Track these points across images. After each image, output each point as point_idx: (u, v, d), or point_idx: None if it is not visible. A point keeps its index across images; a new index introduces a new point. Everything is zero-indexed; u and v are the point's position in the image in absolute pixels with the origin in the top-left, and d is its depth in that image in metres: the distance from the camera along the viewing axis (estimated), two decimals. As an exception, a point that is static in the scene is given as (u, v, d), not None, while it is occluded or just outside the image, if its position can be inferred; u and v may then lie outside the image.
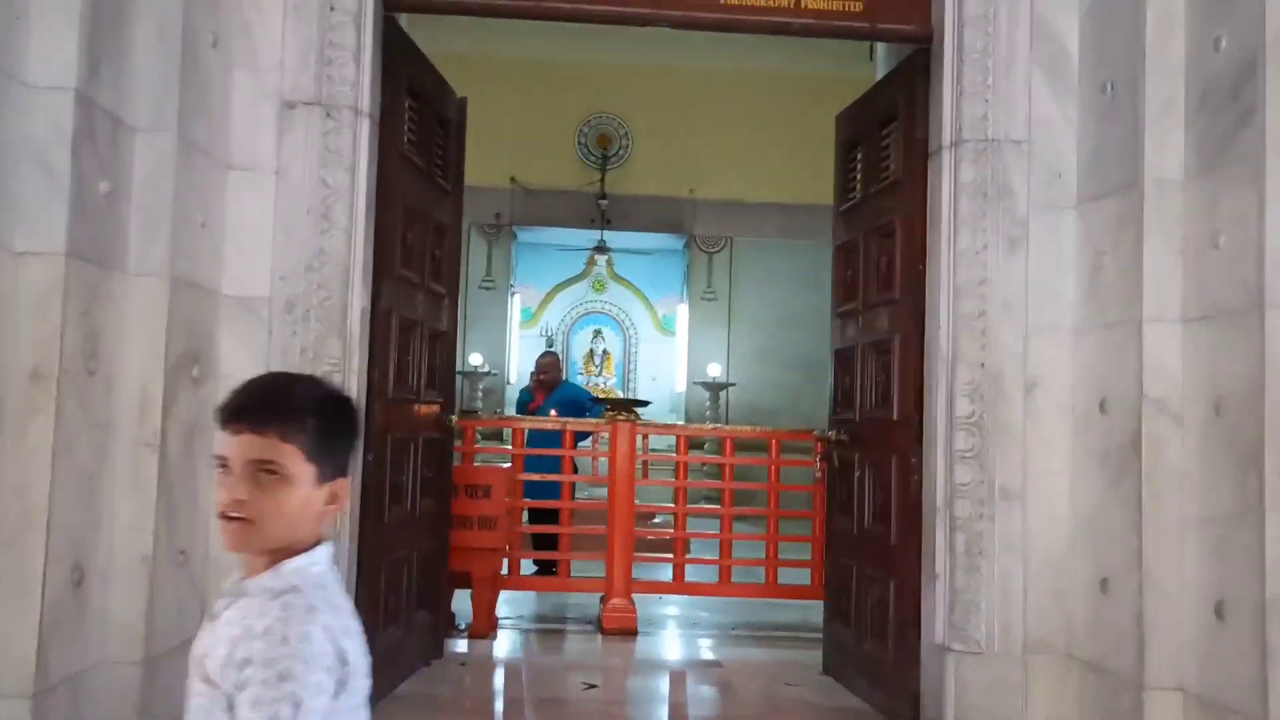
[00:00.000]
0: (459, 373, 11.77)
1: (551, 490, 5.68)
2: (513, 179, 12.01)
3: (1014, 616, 3.29)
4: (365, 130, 3.37)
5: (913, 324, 3.60)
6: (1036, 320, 3.30)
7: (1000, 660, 3.28)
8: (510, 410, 10.07)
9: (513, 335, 12.86)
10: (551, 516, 5.65)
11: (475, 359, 11.77)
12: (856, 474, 4.06)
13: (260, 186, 3.26)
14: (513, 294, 12.82)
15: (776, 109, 12.09)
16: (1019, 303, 3.30)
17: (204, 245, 3.07)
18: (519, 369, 12.92)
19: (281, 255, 3.27)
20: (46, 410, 2.44)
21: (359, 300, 3.37)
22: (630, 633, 5.06)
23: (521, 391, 7.39)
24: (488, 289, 12.37)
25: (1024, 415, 3.30)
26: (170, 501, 2.90)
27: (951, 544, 3.33)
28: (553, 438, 5.73)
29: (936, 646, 3.37)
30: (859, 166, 4.16)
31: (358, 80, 3.33)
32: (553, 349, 11.09)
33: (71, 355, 2.50)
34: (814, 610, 5.46)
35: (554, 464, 5.62)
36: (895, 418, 3.72)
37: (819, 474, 4.40)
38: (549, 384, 7.08)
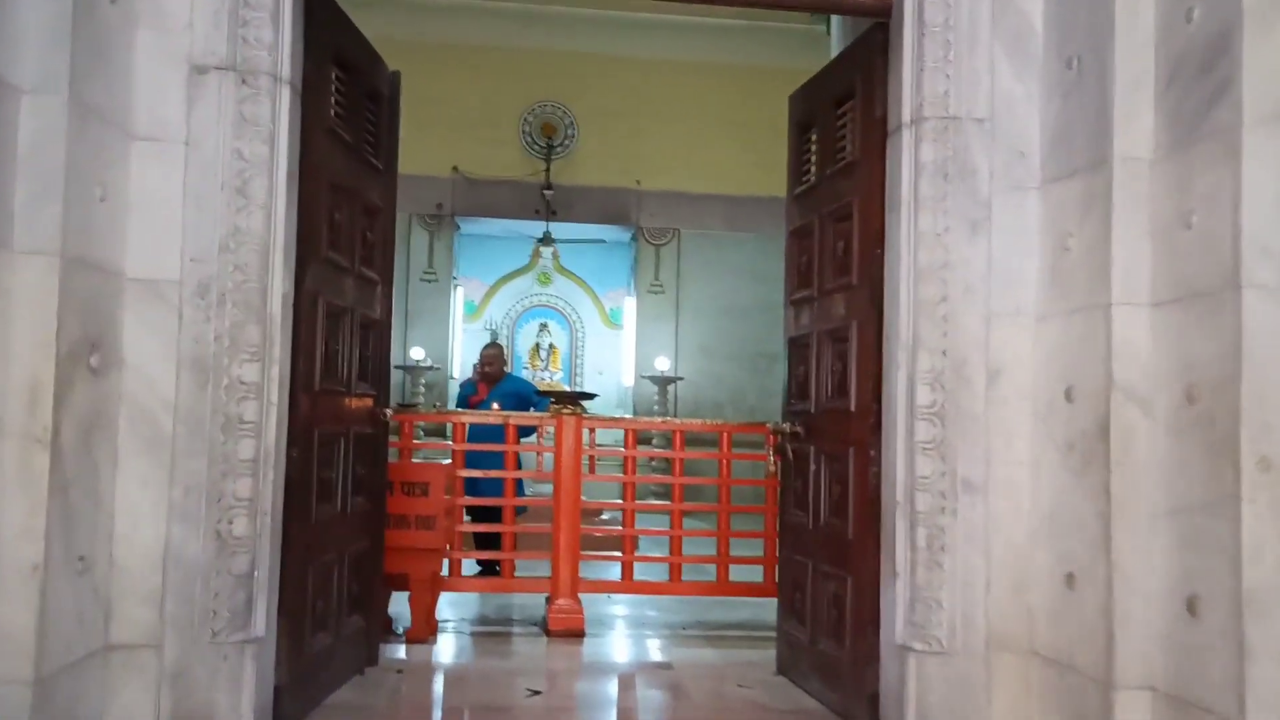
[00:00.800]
0: (399, 367, 11.50)
1: (494, 487, 5.46)
2: (454, 168, 11.72)
3: (976, 613, 3.15)
4: (285, 99, 3.11)
5: (871, 310, 3.44)
6: (999, 305, 3.15)
7: (962, 659, 3.14)
8: (452, 405, 9.81)
9: (456, 329, 12.56)
10: (494, 515, 5.42)
11: (417, 353, 11.46)
12: (812, 467, 3.90)
13: (168, 158, 2.98)
14: (455, 287, 12.52)
15: (723, 100, 11.95)
16: (981, 287, 3.15)
17: (103, 221, 2.80)
18: (462, 363, 12.62)
19: (193, 234, 3.00)
20: (-86, 402, 2.16)
21: (280, 284, 3.12)
22: (577, 634, 4.87)
23: (464, 384, 7.12)
24: (429, 281, 12.06)
25: (986, 404, 3.16)
26: (66, 503, 2.63)
27: (912, 539, 3.18)
28: (495, 432, 5.51)
29: (896, 646, 3.22)
30: (814, 148, 3.99)
31: (276, 44, 3.07)
32: (497, 341, 10.83)
33: (-56, 340, 2.23)
34: (766, 608, 5.32)
35: (496, 460, 5.39)
36: (853, 408, 3.57)
37: (772, 468, 4.23)
38: (492, 376, 6.89)
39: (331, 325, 3.58)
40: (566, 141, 12.12)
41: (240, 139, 3.02)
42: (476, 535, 5.39)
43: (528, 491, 6.44)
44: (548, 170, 11.91)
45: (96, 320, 2.78)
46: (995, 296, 3.15)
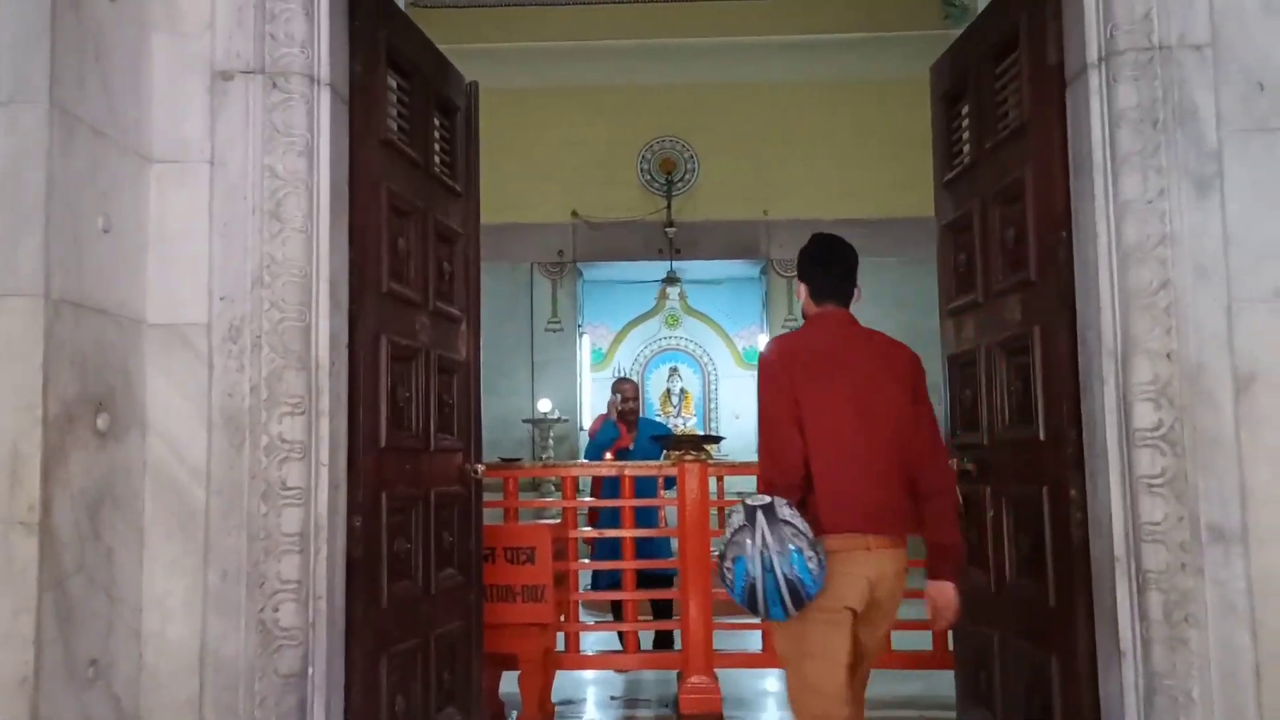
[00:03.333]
0: (527, 420, 11.10)
1: (663, 547, 4.95)
2: (574, 213, 11.34)
3: (1244, 706, 2.31)
4: (325, 104, 2.62)
5: (1059, 310, 2.68)
6: (1247, 288, 2.35)
7: (1227, 773, 2.31)
8: (582, 456, 9.26)
9: (584, 378, 12.12)
10: (663, 579, 4.88)
11: (544, 405, 11.05)
12: (990, 514, 3.13)
13: (191, 182, 2.54)
14: (581, 335, 12.10)
15: (851, 118, 11.23)
16: (1217, 265, 2.36)
17: (107, 257, 2.35)
18: (591, 414, 12.16)
19: (221, 268, 2.53)
20: None
21: (327, 322, 2.61)
22: (715, 716, 4.17)
23: (604, 426, 5.86)
24: (555, 331, 11.67)
25: (1236, 422, 2.35)
26: (65, 598, 2.15)
27: (1141, 607, 2.38)
28: (646, 486, 4.85)
29: (1129, 752, 2.41)
30: (966, 121, 3.27)
31: (312, 38, 2.59)
32: (629, 377, 9.94)
33: (-120, 404, 1.78)
34: (937, 681, 4.52)
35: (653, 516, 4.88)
36: (1042, 437, 2.80)
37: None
38: (633, 416, 5.79)
39: (401, 369, 3.06)
40: (687, 176, 11.59)
41: (271, 153, 2.55)
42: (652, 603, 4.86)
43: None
44: (669, 208, 11.40)
45: (103, 375, 2.32)
46: (1238, 277, 2.35)
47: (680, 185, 11.56)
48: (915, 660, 4.38)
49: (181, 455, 2.49)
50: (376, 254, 2.92)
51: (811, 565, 2.39)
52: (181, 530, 2.48)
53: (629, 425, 5.73)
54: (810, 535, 2.41)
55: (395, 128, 3.08)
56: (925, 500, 2.60)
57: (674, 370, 12.68)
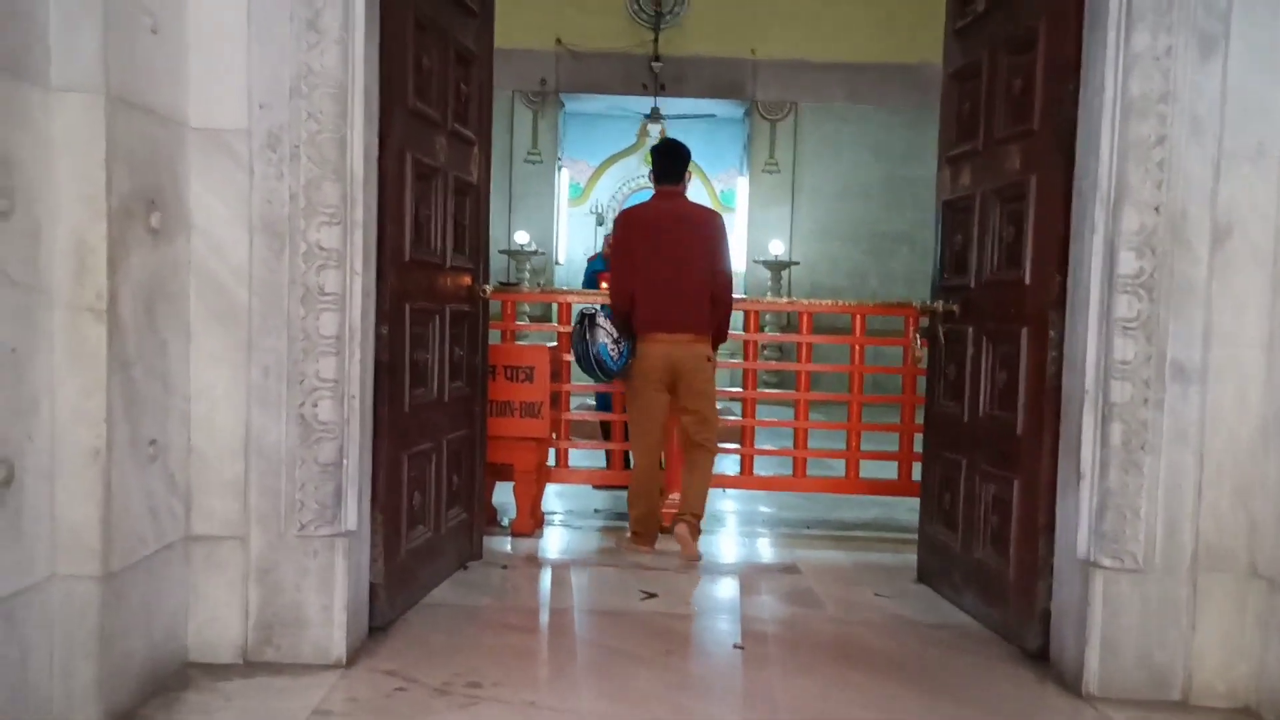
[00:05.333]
0: (503, 251, 11.16)
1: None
2: (558, 40, 11.11)
3: (1183, 525, 2.63)
4: (365, -86, 2.63)
5: (1057, 159, 2.84)
6: (1235, 143, 2.53)
7: (1162, 578, 2.64)
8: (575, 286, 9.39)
9: (561, 212, 12.16)
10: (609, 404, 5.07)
11: (521, 237, 11.12)
12: (970, 351, 3.37)
13: (226, -14, 2.57)
14: (560, 168, 12.05)
15: (847, -44, 10.97)
16: (1211, 122, 2.53)
17: (156, 57, 2.41)
18: (568, 248, 12.24)
19: (260, 76, 2.60)
20: (-68, 261, 1.83)
21: (361, 135, 2.70)
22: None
23: (592, 260, 6.42)
24: (533, 163, 11.62)
25: (1209, 271, 2.57)
26: (129, 382, 2.31)
27: (1104, 435, 2.65)
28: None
29: (1077, 560, 2.73)
30: (982, -32, 3.32)
31: None
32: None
33: (-34, 189, 1.88)
34: (895, 507, 4.90)
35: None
36: (1027, 280, 3.01)
37: (919, 352, 3.71)
38: None
39: (422, 188, 3.17)
40: (677, 8, 11.34)
41: (303, -39, 2.58)
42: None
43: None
44: (656, 40, 11.20)
45: (155, 174, 2.42)
46: (1229, 133, 2.52)
47: (669, 17, 11.32)
48: (879, 487, 4.73)
49: (224, 257, 2.62)
50: (403, 70, 2.98)
51: (611, 351, 4.00)
52: (224, 327, 2.64)
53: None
54: (615, 334, 4.00)
55: (420, -59, 3.08)
56: (713, 309, 4.05)
57: (651, 209, 12.71)
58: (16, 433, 2.07)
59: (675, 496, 4.41)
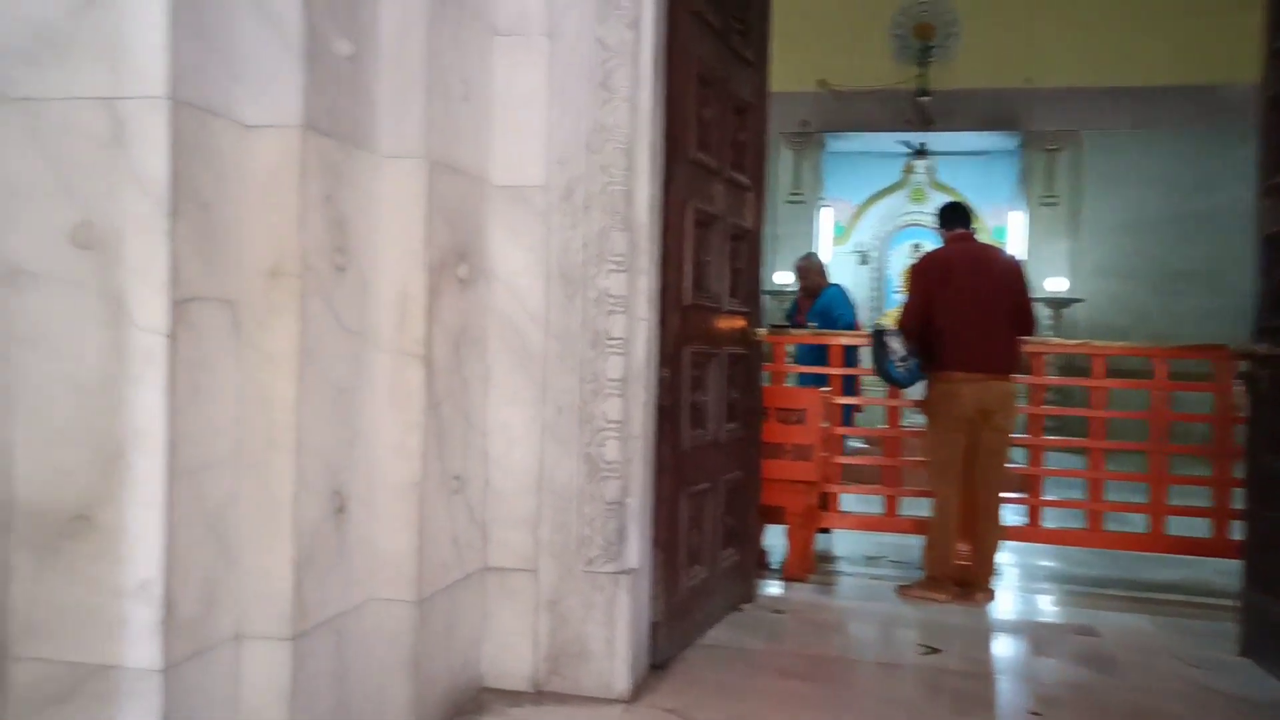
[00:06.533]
0: (765, 292, 11.22)
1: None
2: (820, 81, 11.10)
3: None
4: (649, -25, 2.76)
5: None
6: None
7: None
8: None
9: (824, 252, 12.05)
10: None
11: (782, 278, 11.12)
12: (1302, 398, 3.00)
13: (530, 52, 2.76)
14: (822, 208, 11.99)
15: (1130, -26, 10.26)
16: None
17: (467, 123, 2.62)
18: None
19: (557, 134, 2.77)
20: (288, 312, 2.07)
21: (646, 186, 2.81)
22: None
23: (794, 301, 6.34)
24: (795, 203, 11.63)
25: None
26: (439, 420, 2.51)
27: None
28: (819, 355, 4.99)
29: None
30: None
31: (636, -86, 2.72)
32: (811, 253, 9.91)
33: (315, 248, 2.12)
34: (1204, 567, 4.44)
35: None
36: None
37: (1240, 400, 3.35)
38: (810, 291, 6.02)
39: (701, 235, 3.24)
40: (946, 41, 11.03)
41: (603, 23, 2.73)
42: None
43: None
44: (923, 76, 10.93)
45: (463, 229, 2.63)
46: None
47: (937, 51, 11.03)
48: (1188, 546, 4.30)
49: (522, 303, 2.80)
50: (685, 123, 3.07)
51: (899, 369, 4.11)
52: (521, 369, 2.81)
53: (810, 299, 5.99)
54: (903, 354, 4.08)
55: (701, -3, 3.18)
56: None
57: (917, 247, 12.35)
58: (346, 466, 2.30)
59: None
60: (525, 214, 2.79)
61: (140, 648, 1.84)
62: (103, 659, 1.85)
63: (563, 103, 2.76)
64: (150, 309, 1.83)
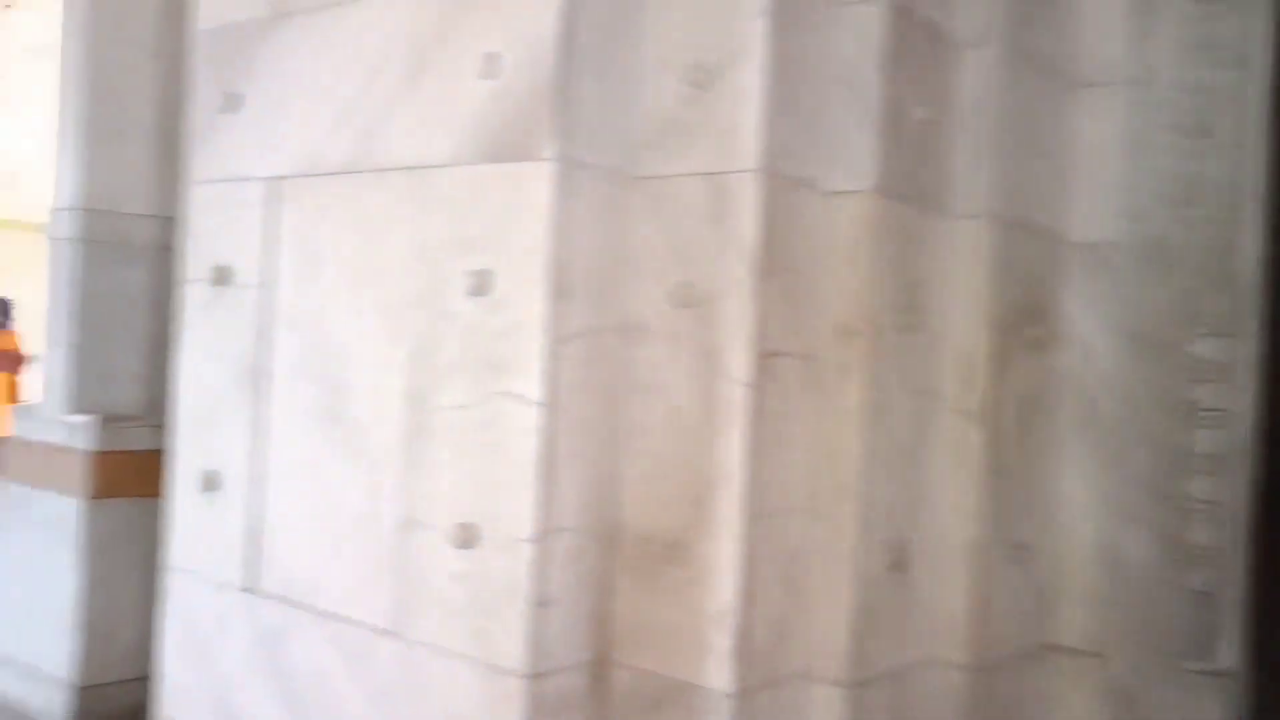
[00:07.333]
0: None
1: None
2: None
3: None
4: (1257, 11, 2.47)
5: None
6: None
7: None
8: None
9: None
10: None
11: None
12: None
13: (1110, 102, 2.61)
14: None
15: None
16: None
17: (1040, 180, 2.55)
18: None
19: (1136, 187, 2.57)
20: (859, 368, 2.16)
21: (1253, 242, 2.49)
22: None
23: None
24: None
25: None
26: (1000, 484, 2.44)
27: None
28: None
29: None
30: None
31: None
32: None
33: (885, 309, 2.20)
34: None
35: None
36: None
37: None
38: None
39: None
40: None
41: (1197, 66, 2.50)
42: None
43: None
44: None
45: (1037, 290, 2.55)
46: None
47: None
48: None
49: (1093, 367, 2.62)
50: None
51: None
52: (1087, 437, 2.62)
53: None
54: None
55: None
56: None
57: None
58: (907, 523, 2.32)
59: None
60: (1099, 273, 2.62)
61: (717, 670, 2.03)
62: (687, 676, 2.07)
63: (1144, 154, 2.56)
64: (739, 361, 2.04)
